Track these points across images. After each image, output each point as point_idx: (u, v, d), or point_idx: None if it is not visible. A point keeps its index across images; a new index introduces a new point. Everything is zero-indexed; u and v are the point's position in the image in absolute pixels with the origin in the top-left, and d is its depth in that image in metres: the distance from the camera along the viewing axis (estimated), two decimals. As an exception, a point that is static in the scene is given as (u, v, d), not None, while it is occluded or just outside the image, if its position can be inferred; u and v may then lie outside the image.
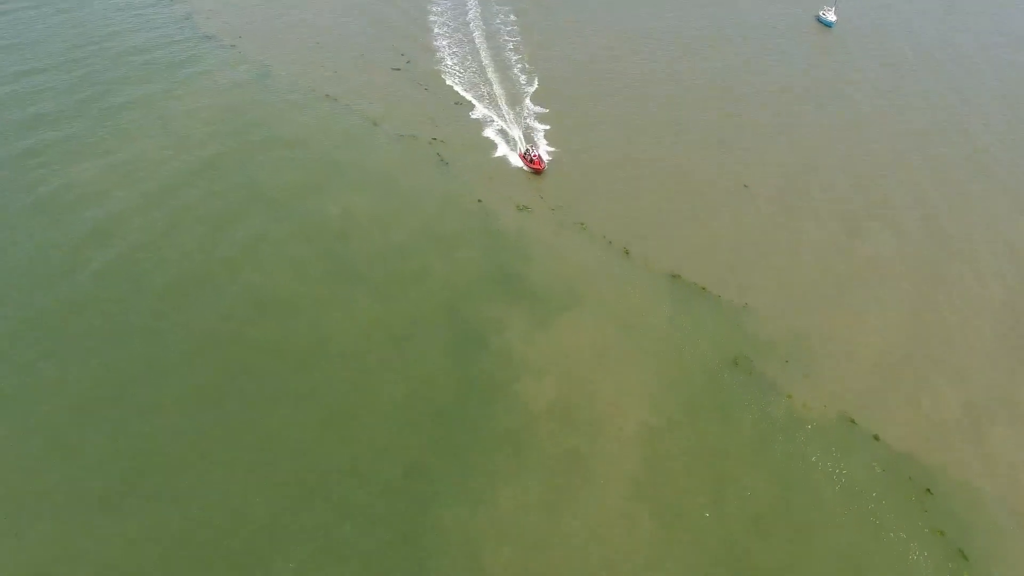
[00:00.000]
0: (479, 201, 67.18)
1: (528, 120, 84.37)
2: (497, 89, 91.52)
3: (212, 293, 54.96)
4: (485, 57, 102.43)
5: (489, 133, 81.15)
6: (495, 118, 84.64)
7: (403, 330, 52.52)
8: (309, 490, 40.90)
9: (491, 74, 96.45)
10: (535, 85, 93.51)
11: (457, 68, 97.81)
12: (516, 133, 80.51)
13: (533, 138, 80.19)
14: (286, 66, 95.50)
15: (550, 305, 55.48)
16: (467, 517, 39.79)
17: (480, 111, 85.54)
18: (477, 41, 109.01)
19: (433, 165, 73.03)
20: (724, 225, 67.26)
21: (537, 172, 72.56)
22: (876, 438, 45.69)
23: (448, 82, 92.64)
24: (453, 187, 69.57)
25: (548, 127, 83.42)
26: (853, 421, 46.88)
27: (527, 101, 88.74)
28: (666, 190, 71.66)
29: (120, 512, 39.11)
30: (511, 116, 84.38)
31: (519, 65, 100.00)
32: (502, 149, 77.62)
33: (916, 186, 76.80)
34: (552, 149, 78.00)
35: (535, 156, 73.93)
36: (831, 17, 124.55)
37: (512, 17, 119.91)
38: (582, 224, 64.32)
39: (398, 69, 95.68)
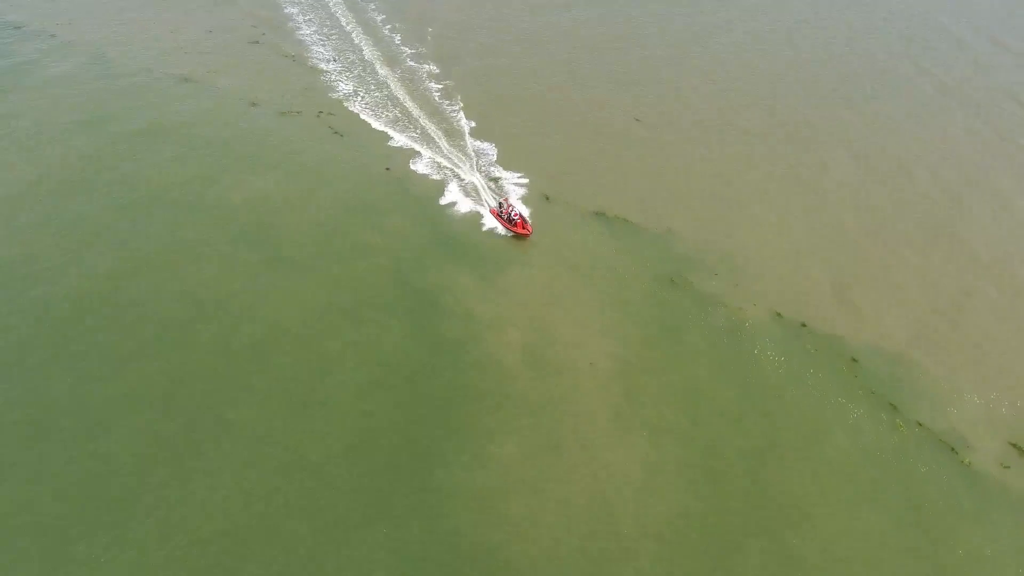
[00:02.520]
0: (387, 169, 65.24)
1: (432, 92, 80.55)
2: (370, 53, 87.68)
3: (140, 306, 49.55)
4: (346, 19, 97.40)
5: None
6: (391, 108, 77.21)
7: (354, 307, 50.68)
8: (307, 485, 39.13)
9: (358, 38, 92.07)
10: (419, 48, 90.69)
11: (318, 36, 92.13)
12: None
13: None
14: (124, 48, 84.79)
15: (494, 259, 56.05)
16: (472, 477, 40.16)
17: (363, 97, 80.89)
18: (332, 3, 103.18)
19: (328, 139, 69.34)
20: (628, 159, 70.78)
21: (522, 236, 58.29)
22: (803, 325, 51.76)
23: (316, 55, 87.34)
24: (357, 158, 66.74)
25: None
26: (780, 315, 52.66)
27: (429, 67, 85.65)
28: (566, 133, 73.77)
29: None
30: (405, 90, 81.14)
31: (388, 26, 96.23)
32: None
33: (794, 107, 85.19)
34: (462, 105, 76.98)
35: (516, 216, 58.82)
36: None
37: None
38: (497, 179, 64.86)
39: (256, 42, 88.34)
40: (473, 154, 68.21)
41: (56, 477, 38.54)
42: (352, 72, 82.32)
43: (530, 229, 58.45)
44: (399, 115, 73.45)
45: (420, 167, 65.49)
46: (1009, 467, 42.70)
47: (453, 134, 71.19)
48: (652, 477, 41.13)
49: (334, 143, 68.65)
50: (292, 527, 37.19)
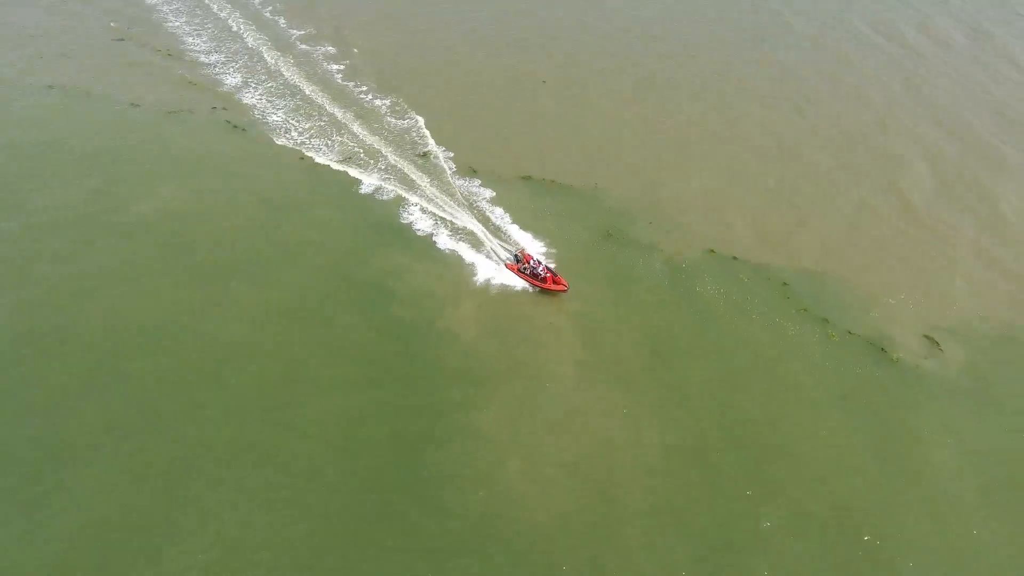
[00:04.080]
0: (301, 159, 62.04)
1: (334, 75, 76.54)
2: (255, 39, 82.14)
3: (64, 344, 44.76)
4: (219, 6, 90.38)
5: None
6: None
7: (301, 307, 48.48)
8: (303, 496, 37.61)
9: (237, 24, 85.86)
10: (309, 29, 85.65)
11: (190, 27, 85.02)
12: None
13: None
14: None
15: (436, 232, 55.25)
16: (462, 449, 40.33)
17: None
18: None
19: (230, 134, 64.75)
20: (543, 122, 71.25)
21: (558, 290, 50.96)
22: (735, 258, 55.12)
23: (193, 47, 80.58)
24: (265, 152, 62.89)
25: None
26: (713, 251, 55.79)
27: (324, 48, 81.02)
28: (479, 101, 73.05)
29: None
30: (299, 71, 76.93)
31: (269, 7, 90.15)
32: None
33: (697, 61, 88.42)
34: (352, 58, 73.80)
35: (543, 271, 51.26)
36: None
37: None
38: (424, 154, 63.33)
39: (122, 40, 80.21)
40: (396, 134, 66.26)
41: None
42: (237, 62, 76.80)
43: (566, 284, 50.87)
44: (301, 103, 69.69)
45: (335, 156, 62.87)
46: (926, 358, 48.10)
47: (367, 116, 68.57)
48: (630, 420, 42.90)
49: (237, 138, 64.23)
50: (293, 535, 35.96)
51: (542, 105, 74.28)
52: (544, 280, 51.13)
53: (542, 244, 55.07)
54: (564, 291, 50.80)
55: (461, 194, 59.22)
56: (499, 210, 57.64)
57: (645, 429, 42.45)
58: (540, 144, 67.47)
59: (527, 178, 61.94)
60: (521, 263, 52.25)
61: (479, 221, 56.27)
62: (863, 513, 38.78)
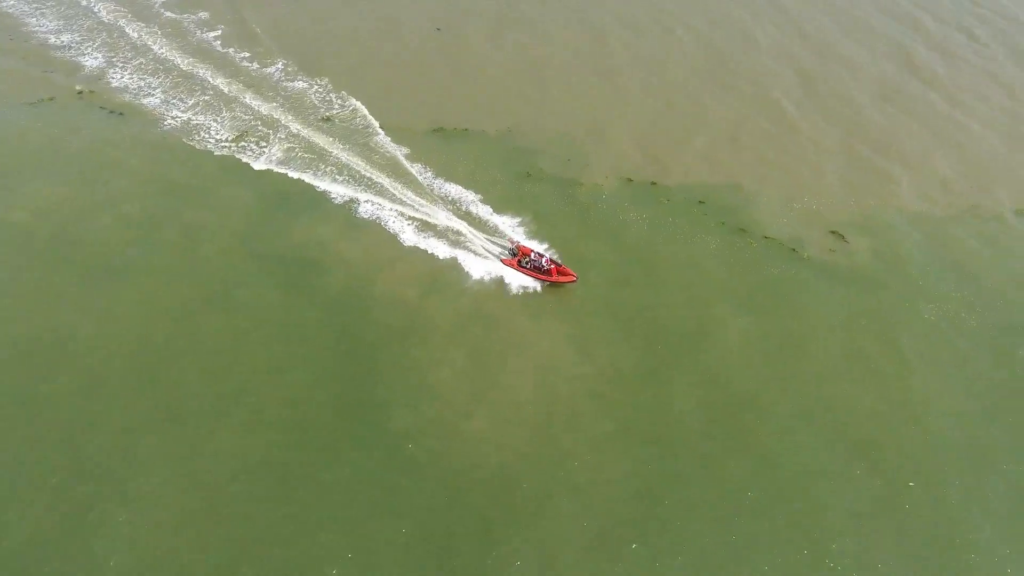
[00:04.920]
0: (193, 139, 57.39)
1: (213, 44, 70.03)
2: (110, 13, 73.74)
3: None
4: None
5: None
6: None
7: (222, 294, 45.99)
8: (268, 489, 36.95)
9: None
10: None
11: (29, 6, 75.24)
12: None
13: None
14: None
15: (353, 198, 53.31)
16: (425, 411, 40.54)
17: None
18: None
19: (104, 120, 58.75)
20: (442, 71, 69.26)
21: (563, 283, 48.90)
22: (653, 183, 57.09)
23: (37, 28, 71.39)
24: (149, 135, 57.62)
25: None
26: (631, 180, 57.40)
27: (198, 15, 73.53)
28: (374, 56, 69.78)
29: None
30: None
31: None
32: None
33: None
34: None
35: (547, 263, 48.88)
36: None
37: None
38: (327, 118, 60.18)
39: (-52, 27, 69.99)
40: (293, 99, 62.07)
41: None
42: (95, 40, 68.78)
43: (574, 274, 48.62)
44: (179, 78, 63.89)
45: (230, 131, 58.65)
46: (834, 250, 52.39)
47: (258, 84, 63.90)
48: (580, 348, 44.63)
49: (114, 124, 58.35)
50: (256, 521, 35.38)
51: (441, 55, 72.06)
52: (548, 272, 48.70)
53: (474, 193, 54.40)
54: (573, 281, 48.80)
55: (376, 154, 57.32)
56: (418, 165, 56.16)
57: (595, 353, 44.63)
58: (445, 95, 65.70)
59: (439, 130, 60.49)
60: (518, 257, 49.67)
61: (397, 180, 54.81)
62: (775, 388, 43.13)
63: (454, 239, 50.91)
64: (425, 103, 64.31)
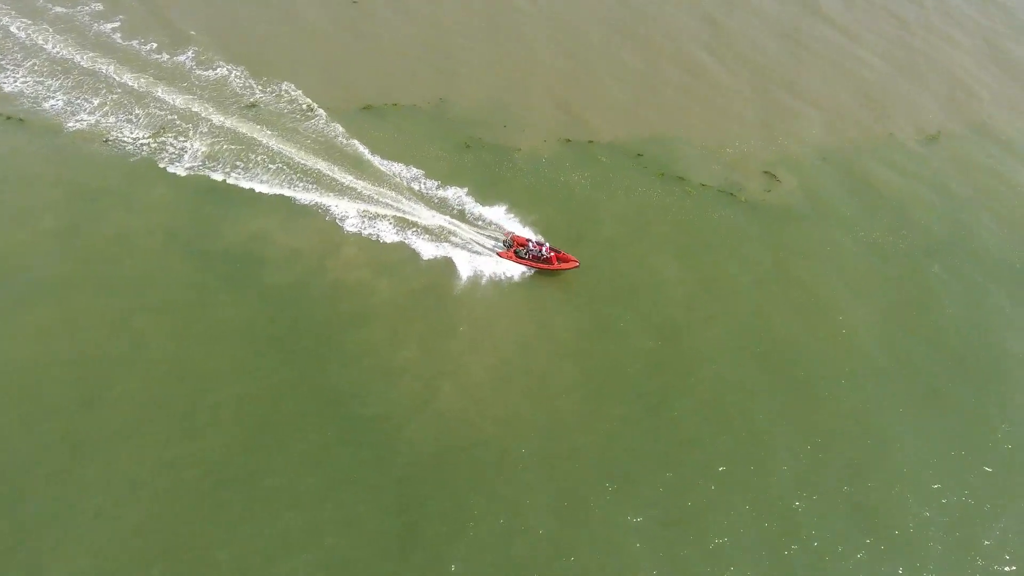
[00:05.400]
0: (106, 141, 53.82)
1: (112, 36, 64.62)
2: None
3: None
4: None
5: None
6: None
7: (163, 301, 43.99)
8: (238, 497, 36.38)
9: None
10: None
11: None
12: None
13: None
14: None
15: (290, 186, 51.25)
16: (395, 394, 40.45)
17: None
18: None
19: (4, 131, 53.97)
20: (363, 45, 66.95)
21: (565, 269, 48.10)
22: (590, 142, 57.57)
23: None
24: (59, 141, 53.46)
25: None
26: (569, 140, 57.71)
27: (90, 6, 67.39)
28: (289, 35, 66.62)
29: None
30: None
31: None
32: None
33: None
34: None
35: (548, 251, 48.10)
36: None
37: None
38: (252, 105, 57.33)
39: None
40: (211, 89, 58.31)
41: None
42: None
43: (576, 260, 47.88)
44: (82, 76, 59.17)
45: (145, 130, 55.22)
46: (769, 190, 54.52)
47: (170, 76, 59.93)
48: (537, 315, 45.58)
49: (16, 133, 53.63)
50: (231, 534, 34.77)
51: (358, 29, 69.52)
52: (548, 261, 48.00)
53: (416, 169, 53.28)
54: (577, 267, 48.04)
55: (308, 138, 55.20)
56: (354, 145, 54.46)
57: (555, 313, 45.68)
58: (367, 68, 63.64)
59: (368, 108, 58.66)
60: (513, 247, 48.71)
61: (334, 163, 53.15)
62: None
63: (401, 219, 50.05)
64: (349, 80, 62.11)
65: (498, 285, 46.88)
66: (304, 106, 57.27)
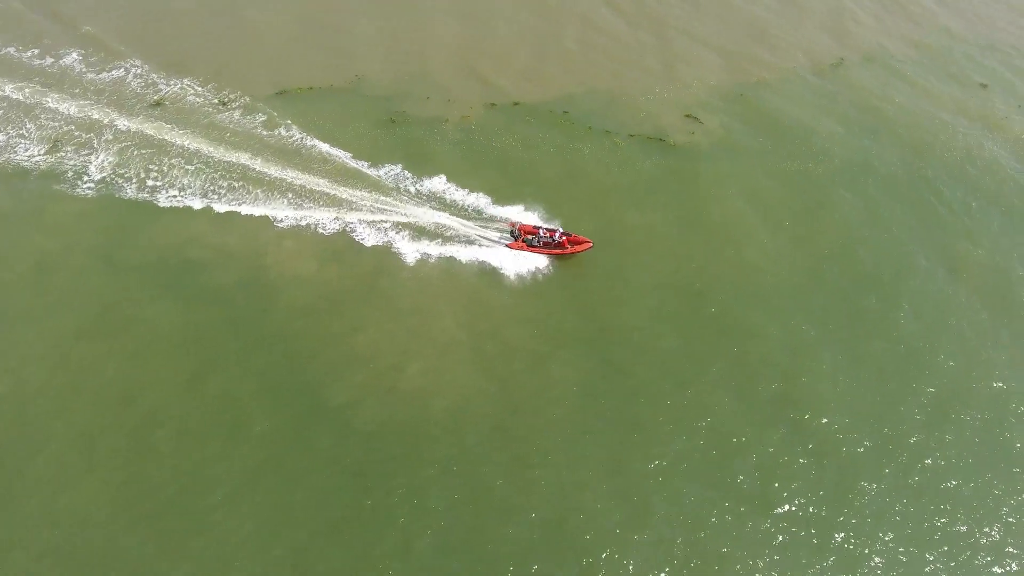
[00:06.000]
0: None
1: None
2: None
3: None
4: None
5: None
6: None
7: (102, 321, 41.50)
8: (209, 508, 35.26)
9: None
10: None
11: None
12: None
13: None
14: None
15: (213, 186, 48.96)
16: (360, 377, 40.07)
17: None
18: None
19: None
20: (260, 27, 63.54)
21: (579, 252, 47.44)
22: (516, 104, 57.47)
23: None
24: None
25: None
26: (494, 104, 57.42)
27: None
28: (185, 22, 62.55)
29: None
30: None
31: None
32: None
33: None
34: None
35: (560, 236, 47.27)
36: None
37: None
38: (157, 103, 53.61)
39: None
40: (110, 90, 54.04)
41: None
42: None
43: (589, 240, 47.18)
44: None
45: (41, 145, 50.80)
46: (693, 132, 56.28)
47: (60, 81, 54.52)
48: (492, 281, 45.71)
49: None
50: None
51: (254, 7, 66.08)
52: (561, 246, 47.19)
53: (343, 151, 51.72)
54: (591, 247, 47.26)
55: (225, 131, 52.26)
56: (275, 133, 52.23)
57: (503, 284, 45.94)
58: (273, 55, 60.59)
59: (282, 93, 56.06)
60: (521, 237, 47.58)
61: (256, 154, 50.75)
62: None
63: (336, 204, 48.68)
64: (257, 67, 58.91)
65: (452, 256, 46.80)
66: (215, 99, 54.31)
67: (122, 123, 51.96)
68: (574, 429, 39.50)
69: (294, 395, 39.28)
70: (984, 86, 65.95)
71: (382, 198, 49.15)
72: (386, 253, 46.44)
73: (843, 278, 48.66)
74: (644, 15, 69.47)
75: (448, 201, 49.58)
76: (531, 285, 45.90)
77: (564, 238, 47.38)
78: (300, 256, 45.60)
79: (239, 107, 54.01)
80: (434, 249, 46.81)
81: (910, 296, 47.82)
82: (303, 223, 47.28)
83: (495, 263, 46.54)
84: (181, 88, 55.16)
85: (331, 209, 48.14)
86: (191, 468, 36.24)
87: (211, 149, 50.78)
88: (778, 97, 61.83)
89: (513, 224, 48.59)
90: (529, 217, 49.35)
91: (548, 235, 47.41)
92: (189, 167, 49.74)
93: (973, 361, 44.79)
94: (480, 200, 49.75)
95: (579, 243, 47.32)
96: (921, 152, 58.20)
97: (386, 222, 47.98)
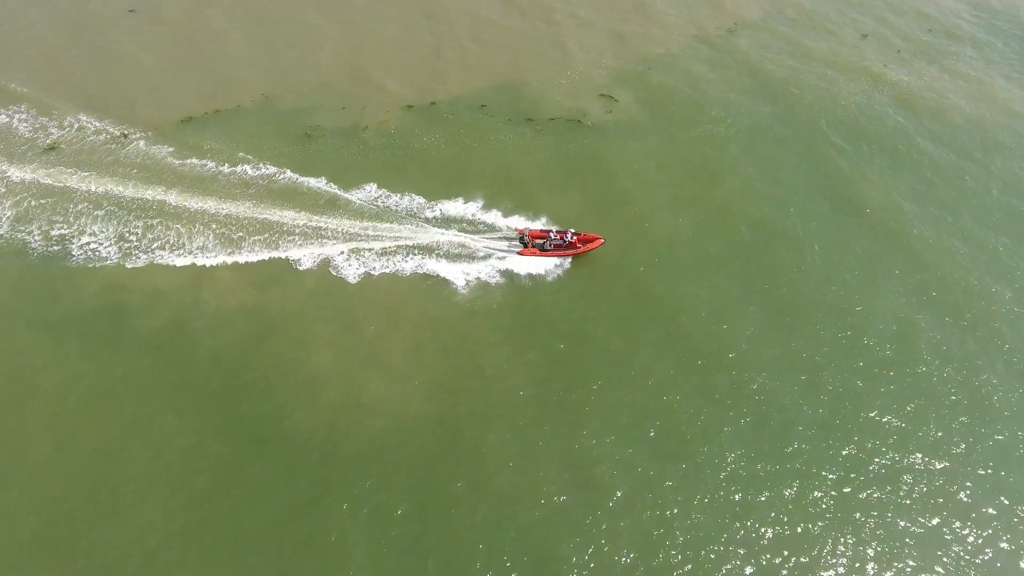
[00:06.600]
0: None
1: None
2: None
3: None
4: None
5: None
6: None
7: (25, 386, 38.47)
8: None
9: None
10: None
11: None
12: None
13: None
14: None
15: (128, 227, 46.45)
16: (322, 398, 38.91)
17: None
18: None
19: None
20: (158, 54, 60.85)
21: (587, 248, 46.41)
22: (432, 103, 57.45)
23: None
24: None
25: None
26: (411, 106, 57.09)
27: None
28: (75, 53, 58.60)
29: None
30: None
31: None
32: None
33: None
34: None
35: (571, 236, 46.28)
36: None
37: None
38: (51, 147, 49.91)
39: None
40: None
41: None
42: None
43: (601, 237, 46.57)
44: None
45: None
46: (611, 111, 57.88)
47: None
48: (423, 279, 45.52)
49: None
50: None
51: (146, 37, 62.72)
52: (572, 245, 46.28)
53: (269, 171, 50.11)
54: (603, 243, 46.66)
55: (133, 167, 49.39)
56: (189, 162, 50.00)
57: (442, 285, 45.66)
58: (163, 82, 58.39)
59: (188, 119, 53.92)
60: (532, 241, 46.76)
61: (172, 187, 48.21)
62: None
63: (267, 228, 46.90)
64: (153, 96, 56.68)
65: (396, 272, 45.62)
66: (116, 133, 51.40)
67: (14, 174, 48.27)
68: (524, 419, 39.68)
69: (255, 430, 37.60)
70: (864, 36, 70.89)
71: (314, 216, 47.67)
72: (324, 272, 45.24)
73: (757, 233, 50.38)
74: (530, 4, 70.64)
75: (383, 207, 48.76)
76: (476, 286, 45.75)
77: (575, 237, 46.95)
78: (238, 286, 43.84)
79: (143, 139, 51.38)
80: (376, 263, 45.74)
81: (819, 239, 50.38)
82: (235, 252, 45.50)
83: (440, 272, 45.78)
84: (77, 128, 51.88)
85: (262, 234, 46.35)
86: (146, 535, 34.46)
87: (120, 188, 47.98)
88: (678, 69, 64.07)
89: (521, 231, 47.80)
90: (469, 210, 48.95)
91: (559, 237, 46.83)
92: (99, 211, 46.86)
93: (874, 292, 48.09)
94: (414, 202, 49.17)
95: (591, 240, 46.87)
96: (812, 107, 61.62)
97: (326, 240, 46.66)
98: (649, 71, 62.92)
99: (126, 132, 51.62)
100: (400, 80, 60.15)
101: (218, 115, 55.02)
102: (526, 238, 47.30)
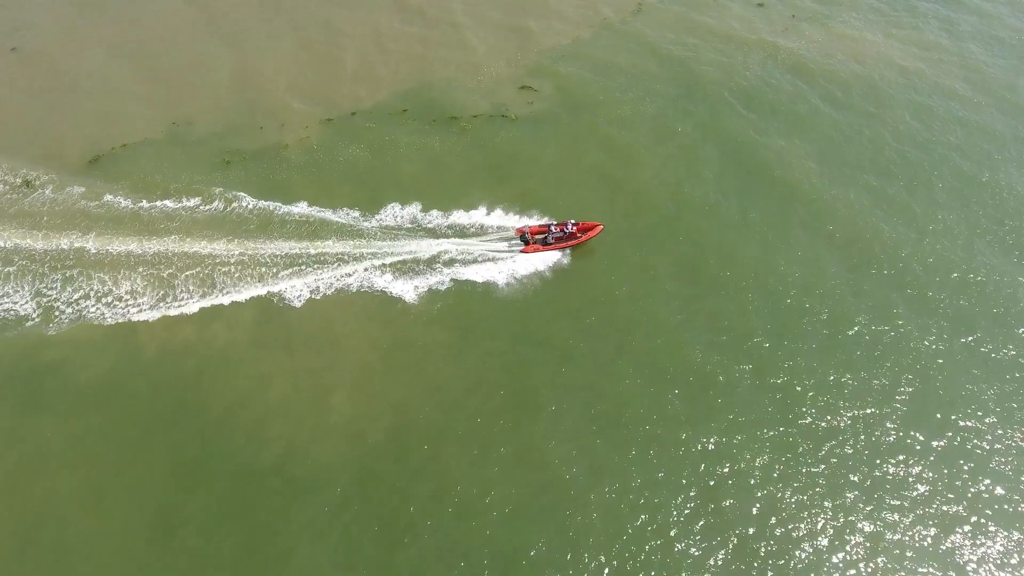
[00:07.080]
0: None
1: None
2: None
3: None
4: None
5: None
6: None
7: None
8: None
9: None
10: None
11: None
12: None
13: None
14: None
15: (44, 281, 43.74)
16: (286, 428, 38.18)
17: None
18: None
19: None
20: (46, 95, 57.19)
21: (588, 236, 47.14)
22: (353, 114, 56.61)
23: None
24: None
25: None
26: (331, 119, 56.02)
27: None
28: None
29: None
30: None
31: None
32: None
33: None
34: None
35: (571, 227, 47.01)
36: None
37: None
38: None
39: None
40: None
41: None
42: None
43: (599, 223, 47.66)
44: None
45: None
46: (532, 102, 58.70)
47: None
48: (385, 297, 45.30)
49: None
50: None
51: (34, 77, 58.67)
52: (574, 235, 47.15)
53: (192, 202, 48.12)
54: (602, 229, 47.70)
55: (40, 217, 46.41)
56: (106, 198, 47.46)
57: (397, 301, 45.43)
58: (51, 119, 55.14)
59: (96, 159, 50.90)
60: (533, 238, 47.45)
61: (86, 232, 45.57)
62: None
63: (198, 262, 45.02)
64: (54, 136, 53.21)
65: (343, 290, 44.80)
66: (17, 181, 48.00)
67: (-101, 239, 44.34)
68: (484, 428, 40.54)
69: (220, 474, 36.43)
70: (761, 5, 74.40)
71: (247, 241, 46.14)
72: (263, 300, 43.91)
73: (681, 208, 52.12)
74: (429, 7, 70.16)
75: (318, 223, 47.57)
76: (432, 290, 45.84)
77: (575, 227, 47.82)
78: (174, 326, 42.06)
79: (50, 184, 48.31)
80: (315, 283, 44.67)
81: (737, 204, 52.42)
82: (166, 291, 43.61)
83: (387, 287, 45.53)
84: (-34, 182, 48.02)
85: (194, 268, 44.48)
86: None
87: (30, 241, 44.95)
88: (586, 57, 65.13)
89: (520, 230, 48.29)
90: (410, 213, 48.74)
91: (559, 229, 47.56)
92: (9, 268, 43.82)
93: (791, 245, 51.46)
94: (349, 216, 48.26)
95: (590, 228, 47.91)
96: (716, 81, 63.32)
97: (264, 266, 45.20)
98: (557, 63, 63.50)
99: (28, 179, 48.38)
100: (309, 95, 58.73)
101: (126, 149, 52.21)
102: (527, 235, 48.06)
